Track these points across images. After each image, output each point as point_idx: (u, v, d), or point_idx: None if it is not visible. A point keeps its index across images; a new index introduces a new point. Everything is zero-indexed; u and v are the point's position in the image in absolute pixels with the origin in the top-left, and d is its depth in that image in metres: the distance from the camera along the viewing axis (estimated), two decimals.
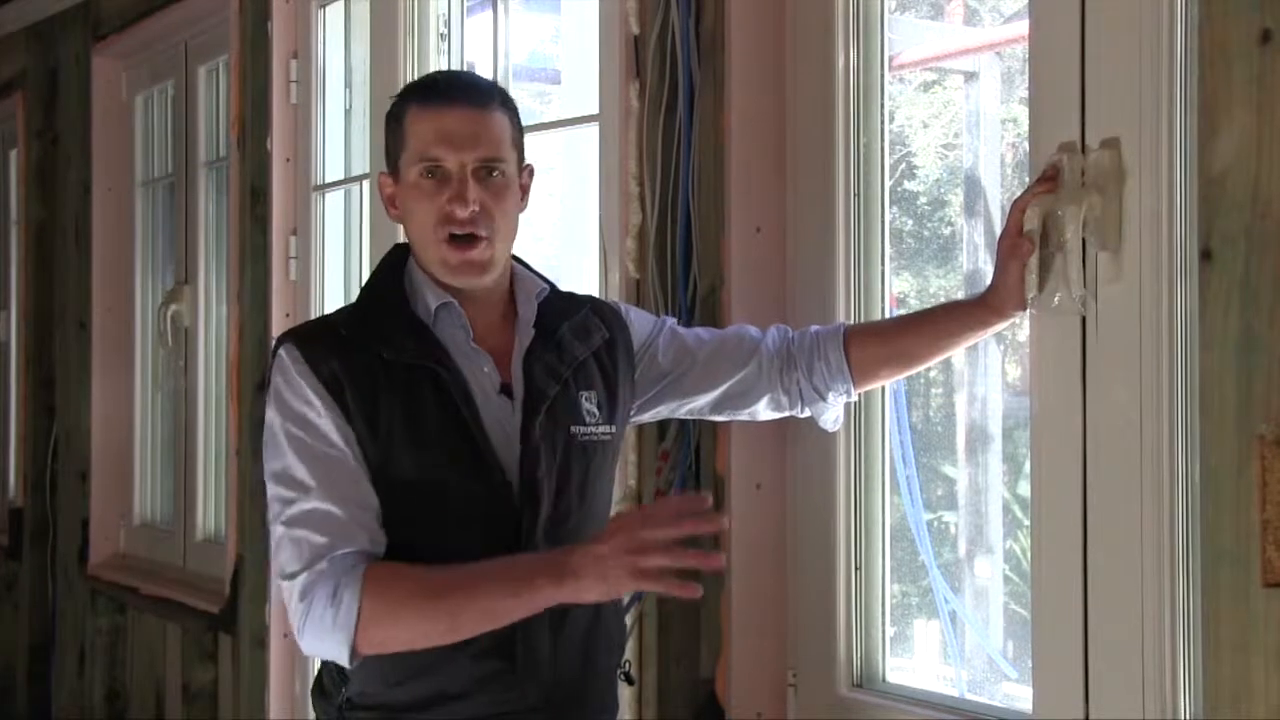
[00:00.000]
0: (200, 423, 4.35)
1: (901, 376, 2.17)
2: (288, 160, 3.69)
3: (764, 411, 2.13)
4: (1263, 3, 1.58)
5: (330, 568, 1.77)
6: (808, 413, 2.11)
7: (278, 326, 3.62)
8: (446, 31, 3.25)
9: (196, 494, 4.35)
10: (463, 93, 1.92)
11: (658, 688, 2.48)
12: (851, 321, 2.23)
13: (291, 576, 1.79)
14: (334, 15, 3.65)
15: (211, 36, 4.24)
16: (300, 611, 1.78)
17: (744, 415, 2.15)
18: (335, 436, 1.83)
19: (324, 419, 1.83)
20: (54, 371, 5.12)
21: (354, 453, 1.83)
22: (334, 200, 3.64)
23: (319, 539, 1.78)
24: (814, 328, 2.11)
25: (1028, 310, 1.89)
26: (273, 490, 1.85)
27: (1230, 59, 1.62)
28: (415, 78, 2.70)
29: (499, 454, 1.87)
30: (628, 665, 2.08)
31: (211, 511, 4.32)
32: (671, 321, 2.14)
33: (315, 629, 1.77)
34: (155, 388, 4.69)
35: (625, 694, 2.45)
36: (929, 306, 2.17)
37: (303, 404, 1.84)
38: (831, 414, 2.12)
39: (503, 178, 1.91)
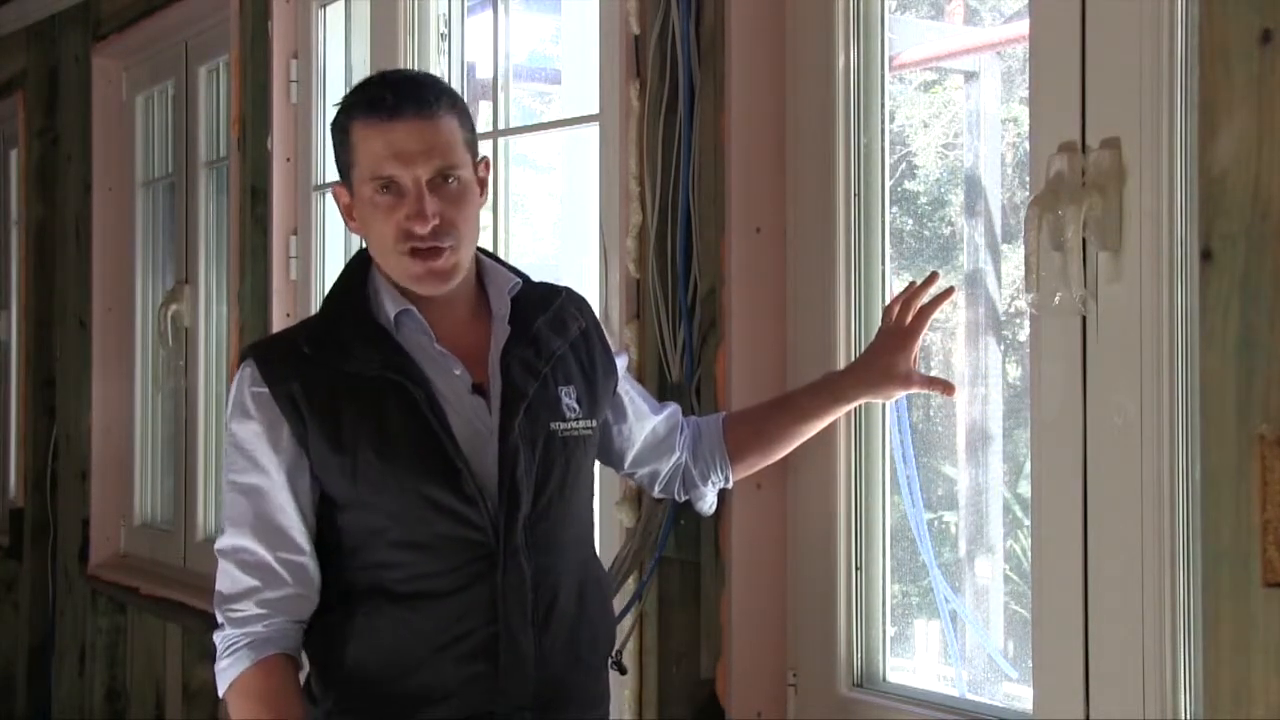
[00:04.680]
0: (200, 423, 4.35)
1: (773, 459, 2.21)
2: (288, 160, 3.69)
3: (649, 488, 2.23)
4: (1263, 3, 1.58)
5: (251, 620, 1.87)
6: (685, 498, 2.20)
7: (278, 326, 3.62)
8: (447, 31, 3.25)
9: (196, 494, 4.35)
10: (409, 102, 1.86)
11: (658, 688, 2.48)
12: (734, 408, 2.28)
13: (221, 602, 1.91)
14: (334, 15, 3.64)
15: (211, 36, 4.24)
16: (219, 635, 1.91)
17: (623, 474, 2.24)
18: (272, 468, 1.88)
19: (262, 446, 1.88)
20: (54, 371, 5.12)
21: (289, 483, 1.88)
22: (333, 200, 3.63)
23: (248, 580, 1.89)
24: (694, 418, 2.21)
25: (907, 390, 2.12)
26: (225, 498, 1.95)
27: (1230, 59, 1.62)
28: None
29: (470, 458, 1.87)
30: (619, 655, 2.08)
31: (211, 511, 4.32)
32: (624, 365, 2.15)
33: (219, 649, 1.90)
34: (155, 388, 4.69)
35: (625, 692, 2.46)
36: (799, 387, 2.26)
37: (247, 431, 1.90)
38: (708, 500, 2.20)
39: (459, 184, 1.89)
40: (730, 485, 2.20)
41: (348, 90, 2.01)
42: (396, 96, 1.87)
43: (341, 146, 1.93)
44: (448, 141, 1.88)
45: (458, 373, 1.92)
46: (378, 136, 1.86)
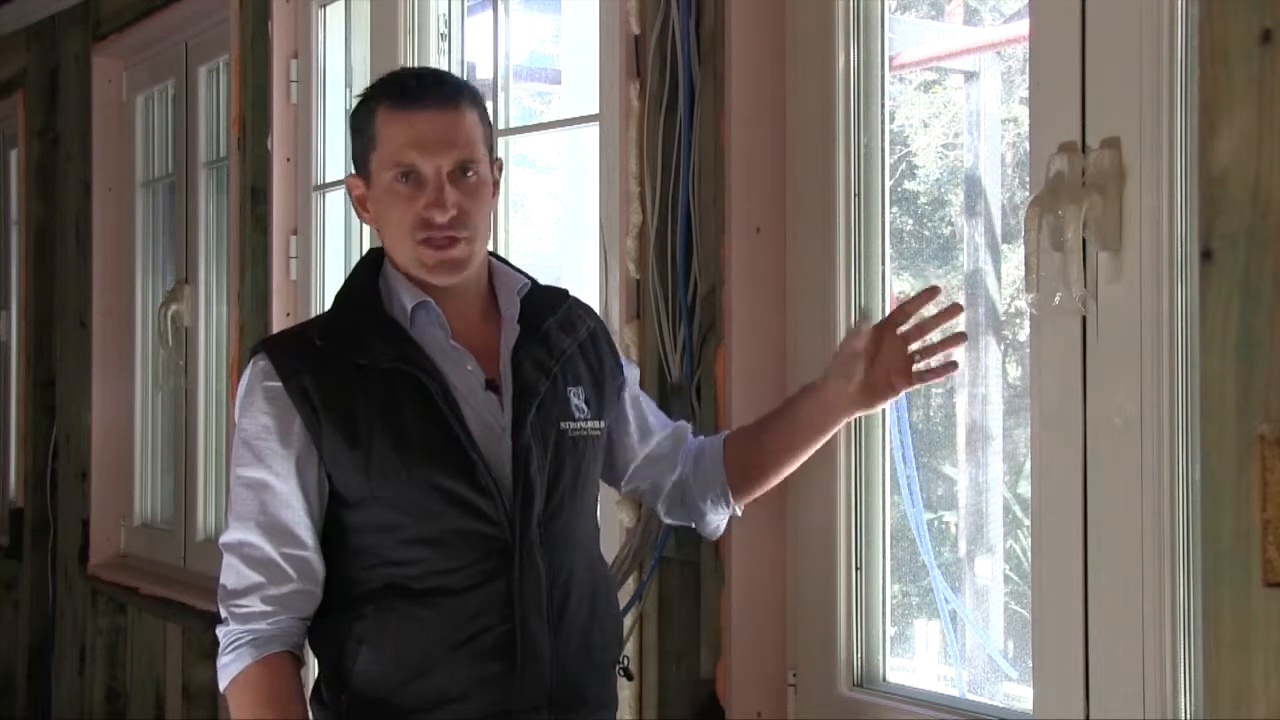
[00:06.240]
0: (200, 423, 4.35)
1: (774, 472, 2.12)
2: (288, 160, 3.69)
3: (652, 505, 2.19)
4: (1263, 3, 1.58)
5: (255, 617, 1.87)
6: (692, 523, 2.16)
7: (278, 326, 3.62)
8: (446, 31, 3.25)
9: (196, 494, 4.35)
10: (433, 94, 1.90)
11: (658, 688, 2.48)
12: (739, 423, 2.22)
13: (225, 597, 1.90)
14: (334, 15, 3.65)
15: (211, 36, 4.24)
16: (222, 629, 1.90)
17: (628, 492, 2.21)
18: (280, 463, 1.87)
19: (271, 440, 1.87)
20: (54, 371, 5.12)
21: (298, 478, 1.87)
22: (334, 200, 3.64)
23: (253, 576, 1.88)
24: (701, 438, 2.16)
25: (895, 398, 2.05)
26: (231, 493, 1.94)
27: (1230, 59, 1.62)
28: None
29: (485, 452, 1.87)
30: (626, 660, 2.08)
31: (211, 511, 4.32)
32: (635, 377, 2.14)
33: (221, 644, 1.90)
34: (155, 388, 4.69)
35: (625, 693, 2.46)
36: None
37: (256, 425, 1.89)
38: (712, 524, 2.15)
39: (476, 178, 1.91)
40: (739, 512, 2.15)
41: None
42: (421, 86, 1.91)
43: (361, 135, 1.94)
44: (469, 135, 1.90)
45: (470, 368, 1.92)
46: (401, 123, 1.88)
